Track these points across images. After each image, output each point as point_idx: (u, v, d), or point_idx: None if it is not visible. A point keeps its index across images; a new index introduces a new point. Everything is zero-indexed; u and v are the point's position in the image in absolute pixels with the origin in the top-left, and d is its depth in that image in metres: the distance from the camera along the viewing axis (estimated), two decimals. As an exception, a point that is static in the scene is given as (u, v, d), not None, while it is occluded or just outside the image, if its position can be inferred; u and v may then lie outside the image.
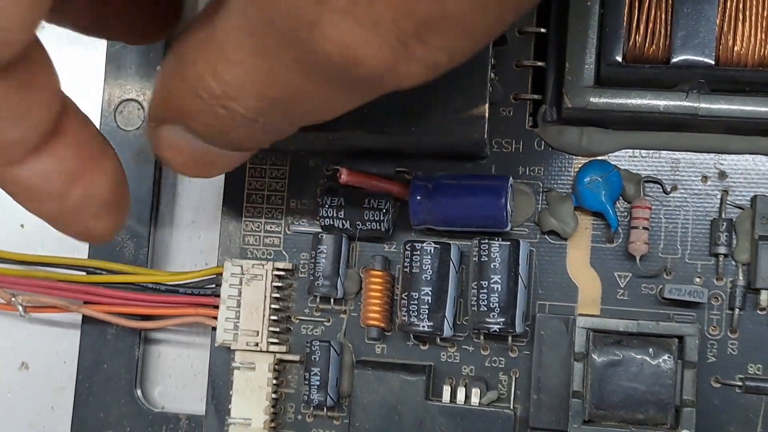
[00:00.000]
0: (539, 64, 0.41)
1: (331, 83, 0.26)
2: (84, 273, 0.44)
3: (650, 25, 0.38)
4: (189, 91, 0.29)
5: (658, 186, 0.41)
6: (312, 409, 0.42)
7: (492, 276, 0.39)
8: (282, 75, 0.26)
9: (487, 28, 0.25)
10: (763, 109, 0.38)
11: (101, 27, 0.35)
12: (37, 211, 0.32)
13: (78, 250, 0.47)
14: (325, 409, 0.42)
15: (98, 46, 0.47)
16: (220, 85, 0.27)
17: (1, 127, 0.29)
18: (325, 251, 0.41)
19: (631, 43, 0.38)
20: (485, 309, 0.39)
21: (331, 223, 0.41)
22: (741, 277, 0.40)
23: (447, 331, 0.40)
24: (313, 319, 0.43)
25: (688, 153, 0.40)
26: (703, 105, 0.38)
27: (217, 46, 0.27)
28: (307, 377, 0.41)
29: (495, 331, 0.39)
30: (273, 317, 0.42)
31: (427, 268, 0.40)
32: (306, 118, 0.30)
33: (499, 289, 0.39)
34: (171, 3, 0.35)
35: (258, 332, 0.42)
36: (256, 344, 0.42)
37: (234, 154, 0.32)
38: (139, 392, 0.45)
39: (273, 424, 0.42)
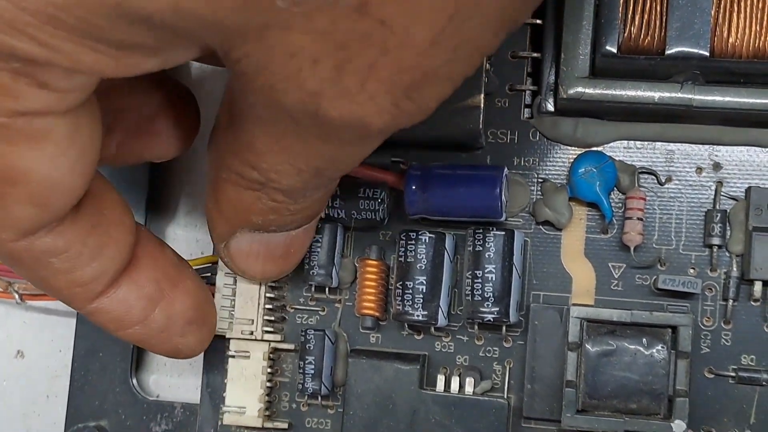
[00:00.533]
0: (535, 55, 0.41)
1: (349, 143, 0.30)
2: (80, 262, 0.44)
3: (645, 16, 0.38)
4: (239, 192, 0.32)
5: (653, 177, 0.41)
6: (306, 397, 0.42)
7: (486, 266, 0.39)
8: (309, 148, 0.30)
9: (465, 70, 0.28)
10: (758, 100, 0.38)
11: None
12: (125, 336, 0.36)
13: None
14: (319, 398, 0.42)
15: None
16: (262, 173, 0.31)
17: (79, 266, 0.32)
18: (320, 240, 0.41)
19: (626, 35, 0.38)
20: (479, 299, 0.39)
21: (327, 212, 0.41)
22: (735, 268, 0.40)
23: (441, 320, 0.40)
24: (308, 308, 0.43)
25: (683, 144, 0.41)
26: (697, 96, 0.38)
27: (247, 144, 0.31)
28: (301, 366, 0.41)
29: (489, 320, 0.39)
30: (268, 306, 0.42)
31: (422, 258, 0.40)
32: (339, 173, 0.33)
33: (494, 279, 0.39)
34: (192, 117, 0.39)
35: (253, 321, 0.42)
36: (251, 333, 0.42)
37: (301, 231, 0.36)
38: (134, 380, 0.45)
39: (267, 413, 0.42)
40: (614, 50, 0.38)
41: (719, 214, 0.40)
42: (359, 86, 0.26)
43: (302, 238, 0.37)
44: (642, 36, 0.38)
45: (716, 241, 0.40)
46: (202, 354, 0.43)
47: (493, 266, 0.39)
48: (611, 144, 0.41)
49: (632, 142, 0.41)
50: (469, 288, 0.40)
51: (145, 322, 0.35)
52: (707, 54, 0.38)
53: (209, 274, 0.43)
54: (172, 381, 0.47)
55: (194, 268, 0.43)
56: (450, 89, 0.29)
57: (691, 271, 0.40)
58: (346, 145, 0.30)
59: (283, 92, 0.27)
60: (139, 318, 0.35)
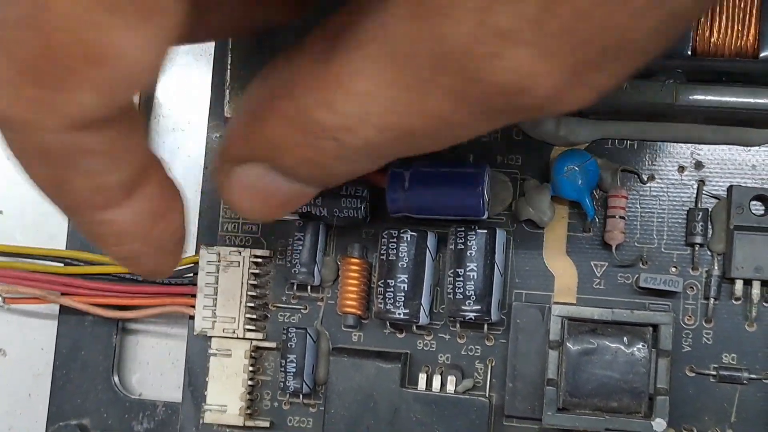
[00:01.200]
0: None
1: (483, 112, 0.24)
2: (62, 264, 0.44)
3: (627, 14, 0.38)
4: (287, 125, 0.27)
5: (635, 176, 0.41)
6: (288, 396, 0.42)
7: (468, 264, 0.39)
8: (426, 106, 0.24)
9: (658, 48, 0.24)
10: (740, 99, 0.38)
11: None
12: (120, 252, 0.32)
13: (55, 239, 0.47)
14: (301, 396, 0.42)
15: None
16: (336, 117, 0.25)
17: (109, 170, 0.28)
18: (302, 239, 0.41)
19: (608, 33, 0.38)
20: (461, 297, 0.39)
21: (309, 210, 0.41)
22: (716, 267, 0.40)
23: (423, 318, 0.40)
24: (290, 306, 0.43)
25: (665, 143, 0.41)
26: (679, 95, 0.38)
27: (334, 78, 0.25)
28: (283, 364, 0.41)
29: (471, 318, 0.39)
30: (250, 304, 0.42)
31: (404, 256, 0.40)
32: (426, 148, 0.27)
33: (475, 277, 0.39)
34: None
35: (235, 319, 0.42)
36: (233, 331, 0.42)
37: (311, 191, 0.30)
38: (116, 379, 0.45)
39: (249, 411, 0.42)
40: (596, 49, 0.38)
41: (701, 213, 0.40)
42: (554, 35, 0.21)
43: (306, 197, 0.32)
44: (624, 34, 0.38)
45: (698, 239, 0.40)
46: (185, 352, 0.43)
47: (475, 264, 0.39)
48: (593, 142, 0.41)
49: (614, 140, 0.41)
50: (451, 286, 0.40)
51: (145, 237, 0.31)
52: (689, 53, 0.38)
53: (191, 275, 0.43)
54: (154, 379, 0.47)
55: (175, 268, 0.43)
56: (635, 68, 0.24)
57: (673, 269, 0.40)
58: (475, 113, 0.24)
59: (454, 25, 0.22)
60: (143, 233, 0.31)
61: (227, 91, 0.41)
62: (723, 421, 0.40)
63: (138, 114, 0.31)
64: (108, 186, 0.29)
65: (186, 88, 0.47)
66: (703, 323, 0.40)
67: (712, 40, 0.38)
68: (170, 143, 0.46)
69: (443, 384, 0.40)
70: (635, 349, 0.38)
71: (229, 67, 0.41)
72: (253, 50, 0.41)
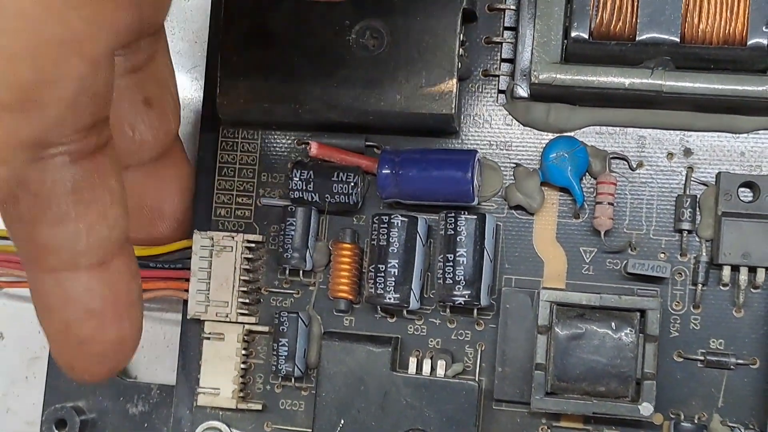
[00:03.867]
0: (508, 40, 0.41)
1: None
2: (58, 245, 0.44)
3: (617, 2, 0.38)
4: None
5: (624, 162, 0.41)
6: (280, 379, 0.43)
7: (458, 249, 0.40)
8: None
9: None
10: (728, 86, 0.38)
11: None
12: (57, 324, 0.35)
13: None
14: (293, 380, 0.42)
15: None
16: None
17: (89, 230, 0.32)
18: (294, 224, 0.42)
19: (598, 20, 0.38)
20: (451, 282, 0.40)
21: (301, 196, 0.42)
22: (704, 253, 0.40)
23: (413, 303, 0.41)
24: (282, 290, 0.43)
25: (654, 130, 0.41)
26: (668, 82, 0.38)
27: None
28: (275, 348, 0.42)
29: (460, 303, 0.40)
30: (243, 288, 0.42)
31: (395, 241, 0.40)
32: None
33: (465, 263, 0.40)
34: None
35: (228, 303, 0.42)
36: (226, 315, 0.42)
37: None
38: (111, 362, 0.45)
39: (242, 394, 0.43)
40: (586, 36, 0.38)
41: (689, 200, 0.40)
42: None
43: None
44: (613, 22, 0.38)
45: (686, 226, 0.40)
46: (179, 335, 0.44)
47: (465, 250, 0.40)
48: (583, 129, 0.41)
49: (604, 127, 0.41)
50: (441, 271, 0.40)
51: (97, 323, 0.34)
52: (678, 40, 0.38)
53: (184, 259, 0.43)
54: (149, 363, 0.47)
55: (168, 252, 0.43)
56: None
57: (661, 255, 0.41)
58: None
59: None
60: (94, 315, 0.34)
61: (219, 79, 0.41)
62: (710, 406, 0.40)
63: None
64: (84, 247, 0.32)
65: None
66: (691, 309, 0.40)
67: (701, 27, 0.38)
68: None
69: (433, 368, 0.41)
70: (623, 334, 0.39)
71: (220, 58, 0.41)
72: (246, 39, 0.41)
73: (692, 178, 0.41)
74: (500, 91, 0.42)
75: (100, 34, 0.26)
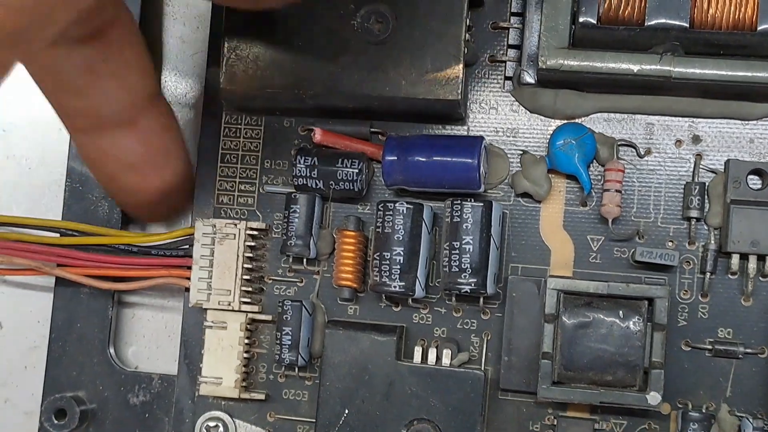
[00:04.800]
0: (516, 26, 0.41)
1: None
2: (57, 234, 0.44)
3: (626, -14, 0.38)
4: None
5: (632, 149, 0.41)
6: (283, 368, 0.42)
7: (464, 237, 0.39)
8: None
9: None
10: (737, 72, 0.38)
11: None
12: (103, 177, 0.41)
13: (52, 211, 0.47)
14: (296, 369, 0.42)
15: None
16: None
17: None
18: (298, 211, 0.41)
19: (606, 5, 0.38)
20: (457, 270, 0.39)
21: (305, 183, 0.41)
22: (713, 241, 0.40)
23: (419, 291, 0.40)
24: (285, 279, 0.43)
25: (663, 117, 0.40)
26: (676, 68, 0.38)
27: None
28: (278, 337, 0.41)
29: (466, 291, 0.39)
30: (245, 277, 0.42)
31: (399, 229, 0.40)
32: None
33: (471, 250, 0.39)
34: None
35: (230, 291, 0.42)
36: (229, 303, 0.42)
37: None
38: (112, 351, 0.45)
39: (244, 384, 0.42)
40: (594, 21, 0.38)
41: (698, 187, 0.40)
42: None
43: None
44: (622, 7, 0.38)
45: (695, 213, 0.40)
46: (180, 325, 0.43)
47: (471, 237, 0.39)
48: (591, 116, 0.41)
49: (612, 114, 0.41)
50: (447, 259, 0.39)
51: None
52: (687, 25, 0.37)
53: (186, 247, 0.43)
54: (150, 352, 0.47)
55: (171, 240, 0.43)
56: None
57: (669, 243, 0.40)
58: None
59: None
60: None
61: (222, 60, 0.40)
62: (718, 395, 0.40)
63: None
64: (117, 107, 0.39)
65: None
66: (699, 297, 0.40)
67: (710, 12, 0.37)
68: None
69: (439, 357, 0.40)
70: (630, 322, 0.38)
71: (223, 43, 0.41)
72: (249, 24, 0.40)
73: (701, 166, 0.40)
74: (507, 78, 0.41)
75: None
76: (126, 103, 0.39)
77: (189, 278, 0.42)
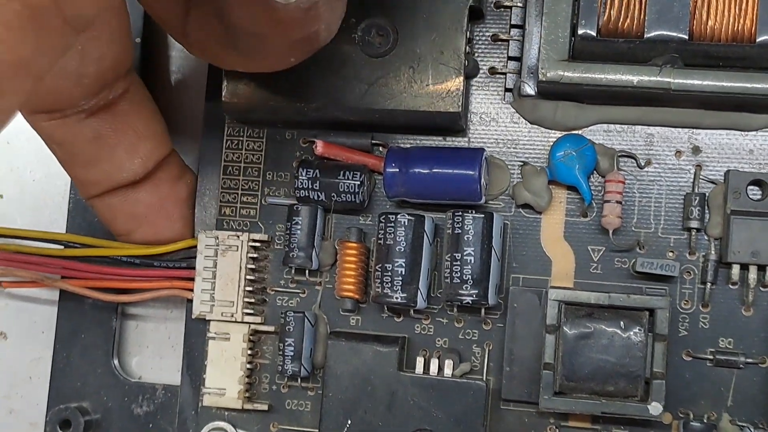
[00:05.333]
0: (516, 38, 0.41)
1: None
2: (61, 246, 0.44)
3: (625, -1, 0.38)
4: None
5: (633, 160, 0.41)
6: (286, 379, 0.43)
7: (465, 248, 0.39)
8: None
9: None
10: (736, 84, 0.38)
11: None
12: (119, 234, 0.43)
13: (55, 223, 0.47)
14: (299, 380, 0.42)
15: None
16: None
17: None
18: (300, 223, 0.41)
19: (605, 18, 0.38)
20: (458, 281, 0.39)
21: (307, 194, 0.41)
22: (713, 252, 0.40)
23: (421, 303, 0.40)
24: (288, 290, 0.43)
25: (663, 128, 0.41)
26: (676, 80, 0.38)
27: None
28: (281, 348, 0.41)
29: (468, 302, 0.40)
30: (248, 288, 0.42)
31: (401, 240, 0.40)
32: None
33: (473, 261, 0.39)
34: None
35: (233, 303, 0.42)
36: (232, 315, 0.42)
37: None
38: (116, 362, 0.45)
39: (247, 395, 0.42)
40: (594, 33, 0.38)
41: (698, 198, 0.40)
42: None
43: None
44: (621, 19, 0.38)
45: (695, 224, 0.40)
46: (183, 336, 0.44)
47: (472, 249, 0.39)
48: (591, 127, 0.41)
49: (612, 125, 0.41)
50: (448, 270, 0.40)
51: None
52: (686, 37, 0.38)
53: (189, 258, 0.43)
54: (154, 363, 0.47)
55: (173, 251, 0.43)
56: None
57: (670, 254, 0.40)
58: None
59: None
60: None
61: (224, 77, 0.41)
62: (719, 405, 0.40)
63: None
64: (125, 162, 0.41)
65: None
66: (700, 308, 0.40)
67: (710, 24, 0.38)
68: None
69: (440, 368, 0.41)
70: (632, 333, 0.38)
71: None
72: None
73: (701, 176, 0.40)
74: (507, 89, 0.42)
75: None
76: (138, 169, 0.41)
77: (192, 290, 0.42)
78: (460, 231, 0.40)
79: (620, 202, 0.40)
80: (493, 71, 0.41)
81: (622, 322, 0.39)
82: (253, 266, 0.42)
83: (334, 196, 0.41)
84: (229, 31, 0.33)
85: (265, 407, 0.42)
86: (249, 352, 0.42)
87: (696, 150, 0.40)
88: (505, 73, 0.41)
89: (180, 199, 0.43)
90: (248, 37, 0.33)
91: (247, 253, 0.42)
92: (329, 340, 0.41)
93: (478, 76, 0.42)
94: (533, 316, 0.40)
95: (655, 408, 0.38)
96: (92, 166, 0.40)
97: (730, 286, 0.40)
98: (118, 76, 0.38)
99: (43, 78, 0.28)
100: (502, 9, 0.41)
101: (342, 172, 0.41)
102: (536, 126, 0.41)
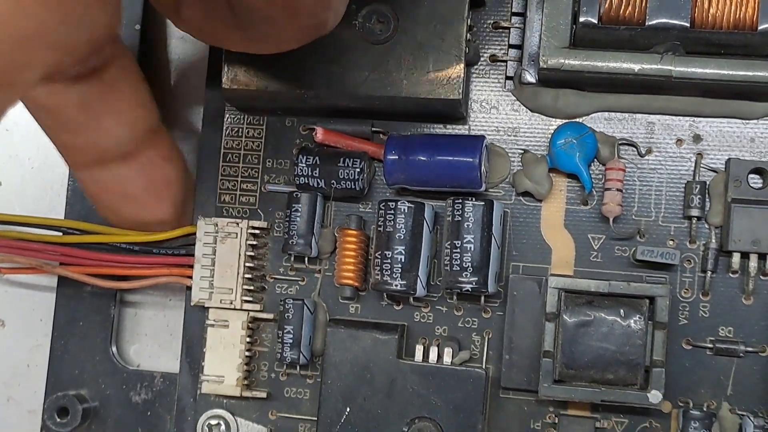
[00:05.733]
0: (517, 25, 0.41)
1: None
2: (60, 233, 0.44)
3: (627, -14, 0.38)
4: None
5: (633, 148, 0.41)
6: (285, 367, 0.43)
7: (465, 236, 0.39)
8: None
9: None
10: (738, 72, 0.38)
11: None
12: (103, 209, 0.42)
13: (54, 210, 0.47)
14: (298, 368, 0.42)
15: None
16: None
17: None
18: (299, 210, 0.41)
19: (607, 5, 0.38)
20: (458, 268, 0.39)
21: (306, 182, 0.41)
22: (714, 240, 0.40)
23: (420, 290, 0.40)
24: (287, 277, 0.43)
25: (663, 116, 0.40)
26: (677, 68, 0.38)
27: None
28: (280, 335, 0.41)
29: (467, 290, 0.39)
30: (247, 275, 0.42)
31: (401, 227, 0.40)
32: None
33: (472, 249, 0.39)
34: None
35: (232, 290, 0.42)
36: (230, 302, 0.42)
37: None
38: (114, 350, 0.45)
39: (246, 382, 0.42)
40: (595, 20, 0.38)
41: (699, 186, 0.40)
42: None
43: None
44: (623, 6, 0.38)
45: (695, 212, 0.40)
46: (182, 323, 0.44)
47: (472, 236, 0.39)
48: (592, 115, 0.41)
49: (613, 113, 0.41)
50: (448, 258, 0.40)
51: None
52: (687, 25, 0.37)
53: (188, 245, 0.43)
54: (152, 350, 0.47)
55: (172, 238, 0.43)
56: None
57: (670, 242, 0.40)
58: None
59: None
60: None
61: (224, 64, 0.41)
62: (719, 394, 0.40)
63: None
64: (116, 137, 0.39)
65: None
66: (700, 296, 0.40)
67: (711, 11, 0.37)
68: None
69: (440, 356, 0.40)
70: (632, 321, 0.38)
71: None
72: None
73: (701, 165, 0.40)
74: (508, 77, 0.41)
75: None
76: (125, 138, 0.39)
77: (191, 277, 0.42)
78: (460, 218, 0.39)
79: (621, 190, 0.40)
80: (493, 59, 0.41)
81: (622, 310, 0.38)
82: (252, 253, 0.42)
83: (333, 184, 0.41)
84: (236, 13, 0.32)
85: (263, 395, 0.42)
86: (248, 339, 0.42)
87: (697, 138, 0.40)
88: (505, 61, 0.41)
89: (169, 180, 0.42)
90: (257, 22, 0.32)
91: (247, 240, 0.42)
92: (328, 328, 0.41)
93: (479, 63, 0.41)
94: (533, 304, 0.40)
95: (654, 396, 0.38)
96: (79, 133, 0.39)
97: (731, 275, 0.40)
98: (106, 42, 0.37)
99: (63, 50, 0.27)
100: (504, -4, 0.41)
101: (342, 160, 0.41)
102: (537, 114, 0.41)
